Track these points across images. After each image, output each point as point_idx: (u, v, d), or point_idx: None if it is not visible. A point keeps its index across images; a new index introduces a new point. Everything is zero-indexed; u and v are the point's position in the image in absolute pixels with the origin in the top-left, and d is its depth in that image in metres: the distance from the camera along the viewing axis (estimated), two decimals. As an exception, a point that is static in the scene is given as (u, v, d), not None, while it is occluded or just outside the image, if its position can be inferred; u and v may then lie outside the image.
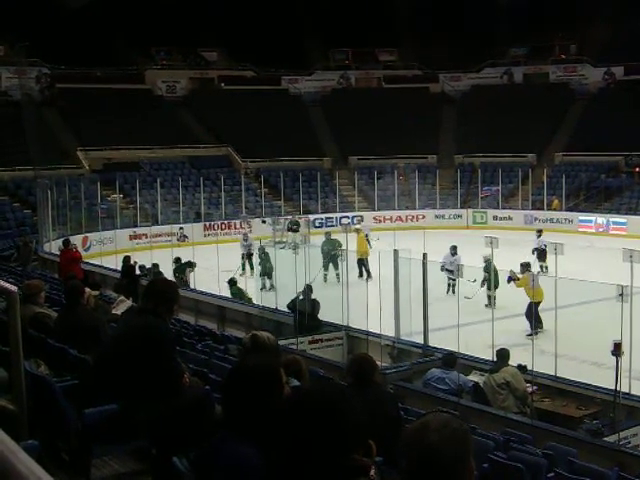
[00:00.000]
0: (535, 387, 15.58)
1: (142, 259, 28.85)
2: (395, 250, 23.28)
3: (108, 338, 8.34)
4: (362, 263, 30.42)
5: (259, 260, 28.96)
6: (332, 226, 46.63)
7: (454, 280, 25.33)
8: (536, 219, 48.45)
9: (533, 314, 21.54)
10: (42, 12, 53.64)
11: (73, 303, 9.53)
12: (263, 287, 27.03)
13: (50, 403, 6.74)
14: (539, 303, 21.25)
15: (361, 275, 29.94)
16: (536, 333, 21.05)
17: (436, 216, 50.85)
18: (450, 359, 15.77)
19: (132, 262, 27.43)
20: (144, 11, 57.32)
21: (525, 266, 22.33)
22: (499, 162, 52.95)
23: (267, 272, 27.69)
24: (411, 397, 14.58)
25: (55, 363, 8.18)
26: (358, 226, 37.09)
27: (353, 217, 48.51)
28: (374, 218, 49.94)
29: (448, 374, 15.10)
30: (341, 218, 47.64)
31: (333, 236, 32.71)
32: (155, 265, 28.70)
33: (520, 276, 22.43)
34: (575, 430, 13.82)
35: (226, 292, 26.94)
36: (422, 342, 19.47)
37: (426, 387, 15.28)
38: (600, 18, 59.69)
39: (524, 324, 21.84)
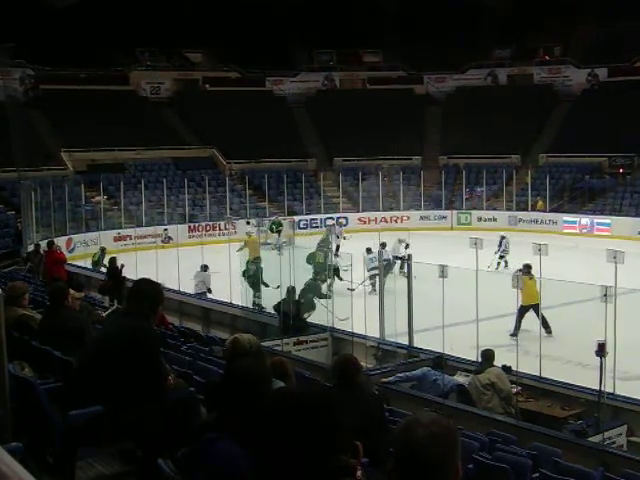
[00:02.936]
0: (520, 388, 15.61)
1: (127, 261, 28.68)
2: (379, 251, 23.32)
3: (92, 340, 8.31)
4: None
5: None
6: (317, 227, 46.80)
7: (374, 277, 26.40)
8: (520, 220, 48.65)
9: (517, 316, 21.65)
10: (26, 13, 53.46)
11: (57, 305, 9.48)
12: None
13: (34, 405, 6.71)
14: (536, 305, 21.12)
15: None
16: (549, 332, 21.05)
17: (421, 217, 50.94)
18: (439, 361, 16.04)
19: (118, 264, 27.32)
20: (128, 12, 57.12)
21: (527, 267, 22.31)
22: (483, 163, 53.05)
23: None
24: (396, 398, 14.59)
25: (39, 365, 8.15)
26: (249, 229, 36.87)
27: (337, 218, 48.50)
28: (359, 219, 50.06)
29: (441, 376, 15.26)
30: (326, 219, 47.64)
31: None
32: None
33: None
34: (560, 430, 13.85)
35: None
36: (407, 343, 19.50)
37: (422, 380, 15.40)
38: (584, 20, 59.91)
39: (509, 325, 21.87)
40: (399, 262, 24.72)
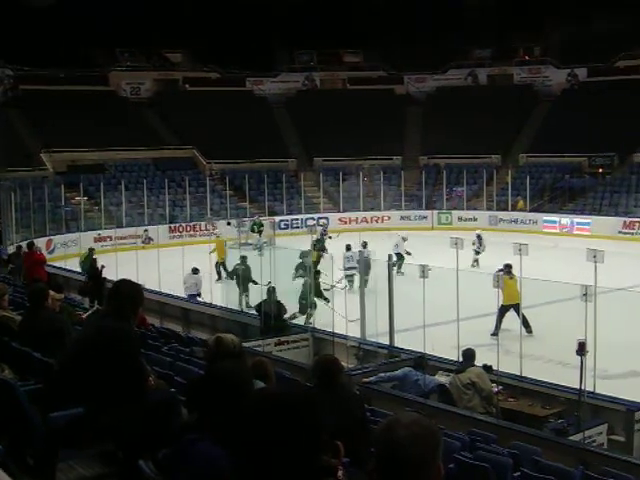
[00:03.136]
0: (500, 387, 15.64)
1: (108, 262, 28.58)
2: (360, 251, 23.32)
3: (73, 341, 8.27)
4: (220, 266, 31.49)
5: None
6: (297, 227, 46.83)
7: (351, 276, 27.05)
8: (501, 220, 48.80)
9: (498, 316, 21.65)
10: (5, 13, 53.18)
11: (37, 306, 9.44)
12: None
13: (14, 407, 6.67)
14: (517, 305, 21.07)
15: (219, 278, 30.79)
16: (530, 331, 21.13)
17: (401, 217, 51.03)
18: (421, 361, 16.04)
19: (99, 265, 27.26)
20: (108, 12, 56.97)
21: (507, 267, 22.35)
22: (464, 163, 53.17)
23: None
24: (377, 399, 14.58)
25: (19, 367, 8.11)
26: (216, 231, 37.21)
27: (318, 218, 48.47)
28: (339, 219, 50.04)
29: (422, 376, 15.25)
30: (306, 219, 47.70)
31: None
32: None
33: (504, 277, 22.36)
34: (540, 429, 13.88)
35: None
36: (388, 343, 19.51)
37: (403, 381, 15.39)
38: (563, 20, 60.11)
39: (490, 324, 21.88)
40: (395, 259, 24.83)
